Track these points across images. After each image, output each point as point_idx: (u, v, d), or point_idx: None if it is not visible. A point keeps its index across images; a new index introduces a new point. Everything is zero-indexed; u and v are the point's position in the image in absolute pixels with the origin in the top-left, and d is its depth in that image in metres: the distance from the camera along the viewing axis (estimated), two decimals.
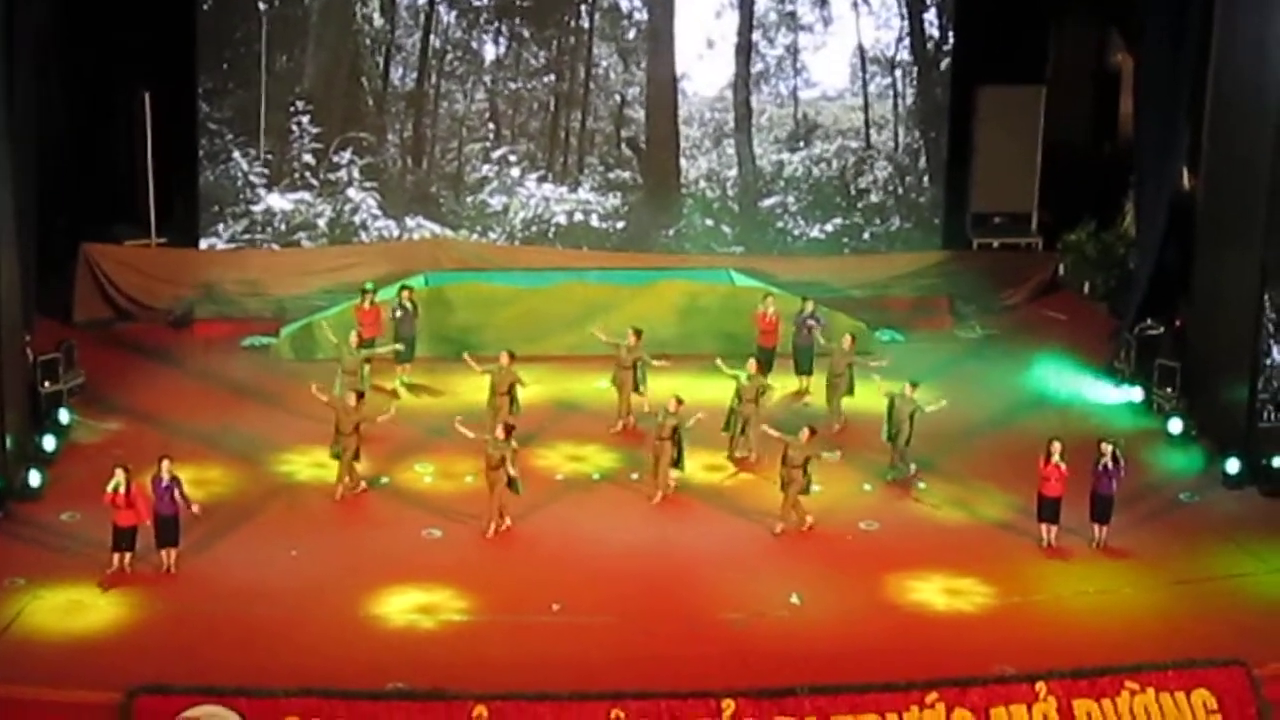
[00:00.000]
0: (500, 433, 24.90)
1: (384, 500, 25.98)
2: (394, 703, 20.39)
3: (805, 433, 25.33)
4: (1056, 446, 24.74)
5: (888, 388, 27.44)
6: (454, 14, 34.53)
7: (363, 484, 26.15)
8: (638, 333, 28.51)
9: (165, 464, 23.79)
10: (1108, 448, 24.79)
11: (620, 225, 35.25)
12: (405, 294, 30.24)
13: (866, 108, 35.47)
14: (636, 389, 28.35)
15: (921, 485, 26.81)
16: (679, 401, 26.17)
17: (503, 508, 24.93)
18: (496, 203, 35.05)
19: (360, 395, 26.45)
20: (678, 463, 26.09)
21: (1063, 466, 24.67)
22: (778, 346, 30.06)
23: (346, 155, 34.48)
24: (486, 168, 34.99)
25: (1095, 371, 31.26)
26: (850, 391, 28.74)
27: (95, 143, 33.73)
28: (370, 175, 34.65)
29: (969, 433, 28.53)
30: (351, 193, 34.64)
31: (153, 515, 23.62)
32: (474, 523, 25.08)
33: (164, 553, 23.65)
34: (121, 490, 23.34)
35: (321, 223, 34.58)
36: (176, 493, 23.67)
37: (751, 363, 27.95)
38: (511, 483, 24.81)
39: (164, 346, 31.72)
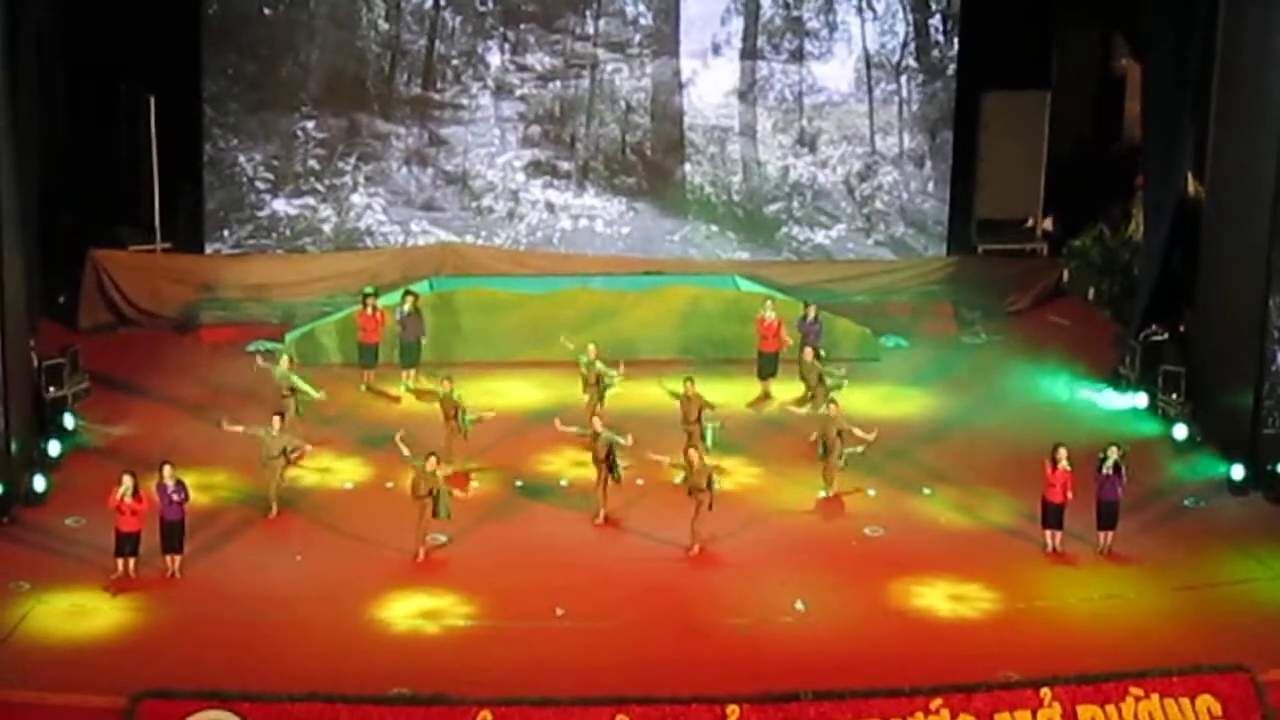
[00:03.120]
0: (431, 464, 24.43)
1: (388, 505, 25.95)
2: (398, 708, 20.40)
3: (694, 454, 25.15)
4: (1063, 452, 24.71)
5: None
6: (459, 19, 34.52)
7: (274, 509, 25.71)
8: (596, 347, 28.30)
9: (167, 469, 23.80)
10: (1114, 451, 24.79)
11: (625, 230, 35.25)
12: (410, 299, 30.25)
13: (871, 113, 35.44)
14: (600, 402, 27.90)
15: (927, 491, 26.79)
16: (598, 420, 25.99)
17: (425, 532, 24.57)
18: (501, 208, 35.06)
19: (282, 416, 26.09)
20: (611, 474, 25.69)
21: (1069, 472, 24.66)
22: (781, 352, 30.02)
23: (352, 160, 34.50)
24: (491, 173, 34.98)
25: (1100, 378, 31.24)
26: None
27: (100, 147, 33.77)
28: (375, 180, 34.65)
29: (973, 438, 28.54)
30: (356, 198, 34.65)
31: (158, 521, 23.65)
32: (479, 528, 25.10)
33: (168, 558, 23.67)
34: (129, 496, 23.35)
35: (326, 228, 34.59)
36: (180, 497, 23.72)
37: (689, 384, 27.56)
38: (436, 508, 24.46)
39: (169, 351, 31.74)
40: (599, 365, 27.96)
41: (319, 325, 31.61)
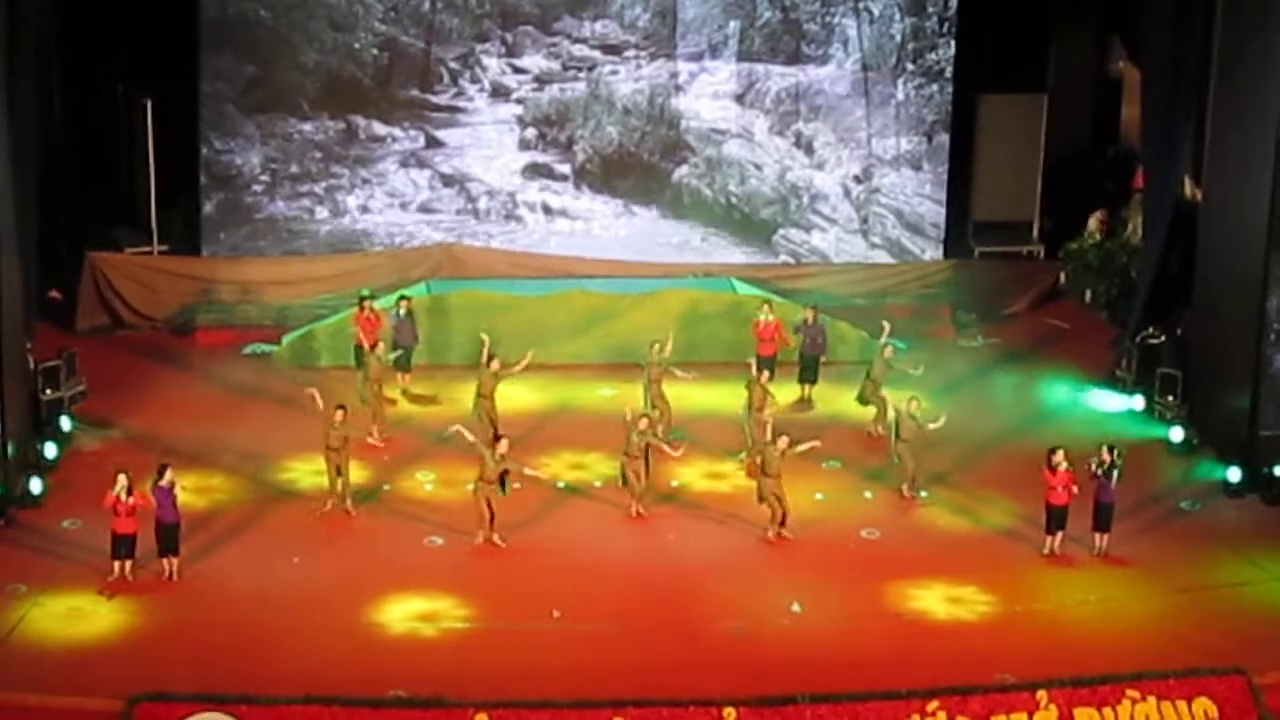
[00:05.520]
0: (503, 446, 24.84)
1: (385, 508, 25.98)
2: (395, 710, 20.41)
3: (784, 441, 25.27)
4: (1060, 454, 24.72)
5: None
6: (456, 21, 34.53)
7: (332, 502, 25.77)
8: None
9: (168, 472, 23.79)
10: (1107, 453, 24.79)
11: (622, 233, 35.25)
12: (403, 303, 30.23)
13: (868, 116, 35.44)
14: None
15: (924, 494, 26.79)
16: (646, 418, 26.07)
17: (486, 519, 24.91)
18: (498, 210, 35.05)
19: (342, 409, 25.94)
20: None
21: (1069, 472, 24.63)
22: (778, 354, 30.02)
23: (348, 163, 34.48)
24: (488, 175, 34.97)
25: (1097, 380, 31.26)
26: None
27: (97, 150, 33.77)
28: (372, 183, 34.62)
29: (970, 441, 28.48)
30: (353, 200, 34.64)
31: (154, 523, 23.64)
32: (476, 530, 25.07)
33: (165, 560, 23.65)
34: (123, 497, 23.35)
35: (323, 230, 34.57)
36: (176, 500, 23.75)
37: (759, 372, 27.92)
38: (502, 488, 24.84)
39: (165, 354, 31.74)
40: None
41: (316, 327, 31.62)
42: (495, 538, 24.79)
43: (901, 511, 26.37)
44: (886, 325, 29.47)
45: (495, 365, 27.70)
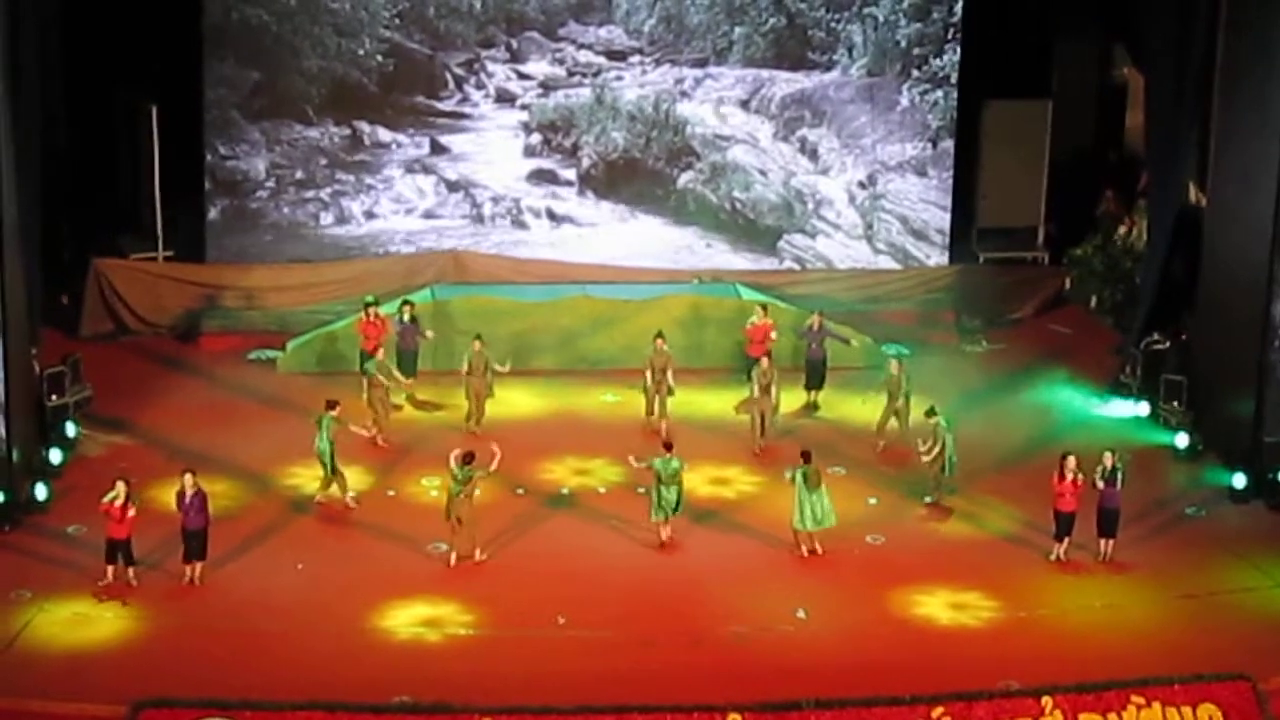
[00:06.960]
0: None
1: (390, 514, 25.97)
2: (399, 716, 20.42)
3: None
4: (1071, 461, 24.65)
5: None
6: (461, 26, 34.56)
7: (351, 496, 26.26)
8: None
9: (189, 478, 23.79)
10: (1110, 458, 24.76)
11: (627, 239, 35.25)
12: (406, 308, 30.22)
13: (873, 121, 35.45)
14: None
15: (928, 499, 26.76)
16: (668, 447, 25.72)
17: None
18: (503, 216, 35.06)
19: (335, 404, 26.28)
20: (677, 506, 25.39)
21: (1079, 480, 24.59)
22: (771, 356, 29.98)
23: (353, 169, 34.50)
24: (493, 181, 34.99)
25: (1102, 386, 31.23)
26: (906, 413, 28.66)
27: (101, 156, 33.77)
28: (377, 189, 34.64)
29: (974, 447, 28.41)
30: (358, 206, 34.66)
31: (180, 529, 23.67)
32: (480, 536, 25.06)
33: (192, 566, 23.67)
34: (119, 502, 23.35)
35: (328, 236, 34.58)
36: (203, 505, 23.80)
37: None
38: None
39: (170, 360, 31.75)
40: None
41: (320, 333, 31.62)
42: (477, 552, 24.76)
43: (905, 517, 26.35)
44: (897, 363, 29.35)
45: (477, 345, 28.25)
